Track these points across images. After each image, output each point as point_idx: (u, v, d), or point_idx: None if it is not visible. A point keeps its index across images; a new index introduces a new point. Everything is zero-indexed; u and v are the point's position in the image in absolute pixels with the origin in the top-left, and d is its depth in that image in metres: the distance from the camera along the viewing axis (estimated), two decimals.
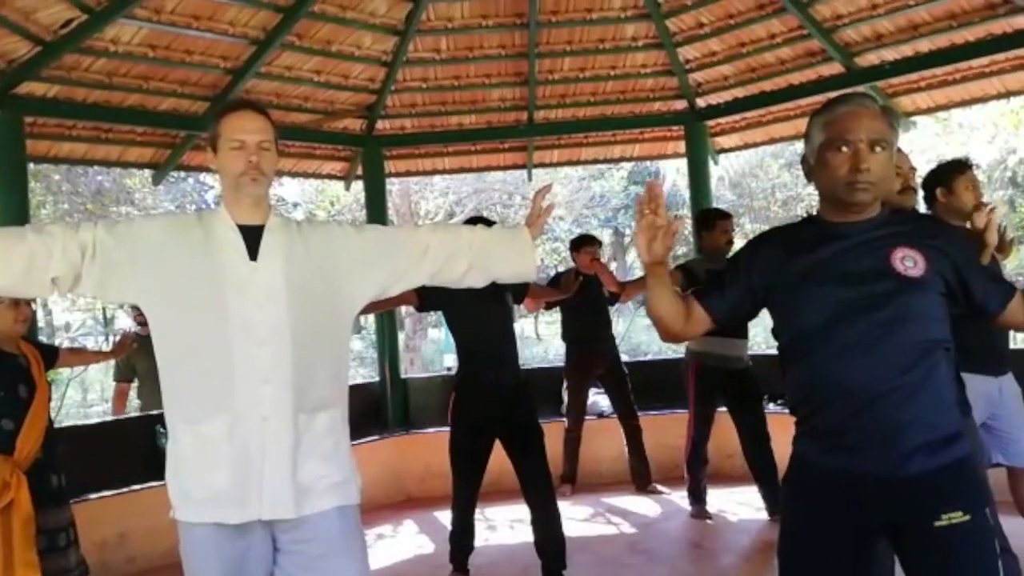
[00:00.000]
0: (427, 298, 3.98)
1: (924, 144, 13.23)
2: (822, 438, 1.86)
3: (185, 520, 2.04)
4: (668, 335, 2.08)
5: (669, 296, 1.99)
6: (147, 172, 6.83)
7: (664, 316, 2.00)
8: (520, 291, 4.22)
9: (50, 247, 1.95)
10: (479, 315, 3.99)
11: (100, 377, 14.37)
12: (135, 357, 5.60)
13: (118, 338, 4.39)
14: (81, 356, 3.84)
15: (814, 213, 2.02)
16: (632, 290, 5.11)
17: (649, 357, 12.35)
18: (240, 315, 2.02)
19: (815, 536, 1.87)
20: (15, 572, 3.10)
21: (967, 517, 1.75)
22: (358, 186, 7.21)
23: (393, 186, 11.39)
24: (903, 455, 1.77)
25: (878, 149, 1.81)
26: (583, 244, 5.79)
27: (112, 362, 5.66)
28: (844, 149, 1.81)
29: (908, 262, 1.81)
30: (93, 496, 4.54)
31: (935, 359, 1.81)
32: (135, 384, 6.05)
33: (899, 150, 2.67)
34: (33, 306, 3.37)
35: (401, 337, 8.85)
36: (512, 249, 2.34)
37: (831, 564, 1.84)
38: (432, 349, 16.27)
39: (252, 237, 2.09)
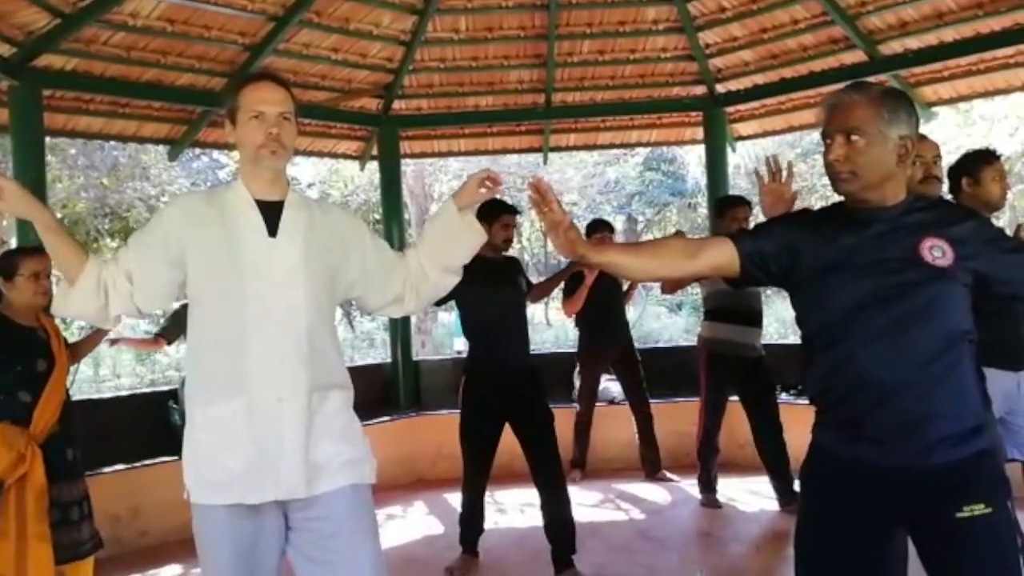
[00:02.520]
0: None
1: (944, 135, 13.07)
2: (844, 428, 1.84)
3: (201, 503, 2.04)
4: (672, 284, 2.12)
5: (631, 258, 2.03)
6: (162, 148, 6.83)
7: (648, 271, 2.09)
8: (529, 287, 4.28)
9: (111, 288, 2.05)
10: (491, 298, 3.98)
11: (113, 352, 14.46)
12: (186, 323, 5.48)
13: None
14: (87, 344, 3.82)
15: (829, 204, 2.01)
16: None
17: (661, 344, 12.34)
18: (257, 293, 2.01)
19: (833, 526, 1.86)
20: (28, 544, 3.11)
21: (988, 510, 1.73)
22: (372, 167, 7.20)
23: (408, 167, 11.36)
24: (926, 446, 1.75)
25: (855, 138, 1.80)
26: (595, 229, 5.79)
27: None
28: (828, 141, 1.84)
29: (936, 252, 1.78)
30: (107, 470, 4.57)
31: (960, 350, 1.79)
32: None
33: (923, 137, 2.63)
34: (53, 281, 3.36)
35: (412, 319, 8.83)
36: (456, 233, 2.28)
37: (848, 554, 1.83)
38: (443, 332, 16.27)
39: (270, 213, 2.08)
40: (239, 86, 2.10)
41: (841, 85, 6.04)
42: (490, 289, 3.98)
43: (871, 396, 1.77)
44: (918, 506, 1.78)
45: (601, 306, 5.67)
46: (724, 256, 1.94)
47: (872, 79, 3.91)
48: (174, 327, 5.76)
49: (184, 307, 5.73)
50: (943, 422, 1.75)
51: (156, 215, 2.17)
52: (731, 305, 4.79)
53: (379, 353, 13.82)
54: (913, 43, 5.45)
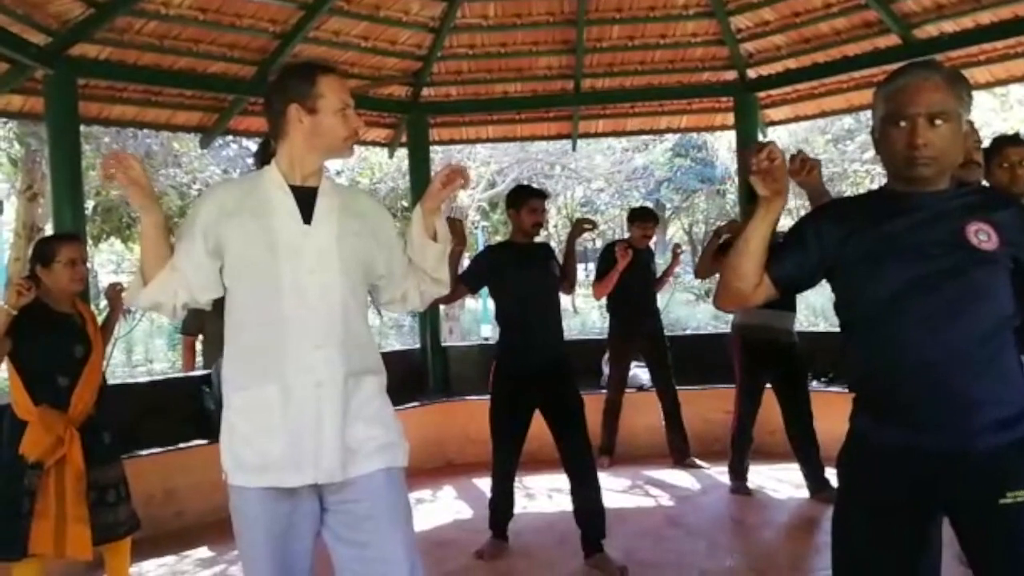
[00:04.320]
0: (474, 280, 4.04)
1: (980, 120, 12.88)
2: (886, 414, 1.83)
3: (239, 485, 2.06)
4: (737, 296, 1.97)
5: (765, 249, 1.91)
6: (194, 136, 6.89)
7: (750, 272, 1.91)
8: (565, 277, 4.27)
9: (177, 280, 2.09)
10: (524, 284, 3.99)
11: (144, 338, 14.66)
12: (205, 313, 5.66)
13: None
14: (106, 331, 3.85)
15: (871, 188, 1.98)
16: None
17: (689, 331, 12.30)
18: (293, 280, 2.03)
19: (873, 512, 1.84)
20: (67, 525, 3.18)
21: None
22: (401, 154, 7.22)
23: (436, 154, 11.37)
24: (972, 432, 1.73)
25: (938, 122, 1.76)
26: (638, 218, 5.80)
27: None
28: (902, 124, 1.78)
29: (982, 235, 1.76)
30: (142, 453, 4.64)
31: (1006, 335, 1.77)
32: (200, 342, 6.08)
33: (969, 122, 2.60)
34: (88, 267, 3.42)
35: (440, 306, 8.88)
36: (419, 246, 2.28)
37: (888, 540, 1.82)
38: (470, 318, 16.34)
39: (305, 199, 2.09)
40: (315, 73, 2.09)
41: (876, 70, 5.91)
42: (521, 274, 3.99)
43: (916, 381, 1.76)
44: (961, 492, 1.76)
45: (633, 293, 5.68)
46: (769, 287, 1.94)
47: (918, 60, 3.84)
48: (194, 321, 5.85)
49: None
50: (989, 407, 1.73)
51: (192, 209, 2.19)
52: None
53: (406, 339, 13.89)
54: (949, 26, 5.35)
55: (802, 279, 1.97)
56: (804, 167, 2.18)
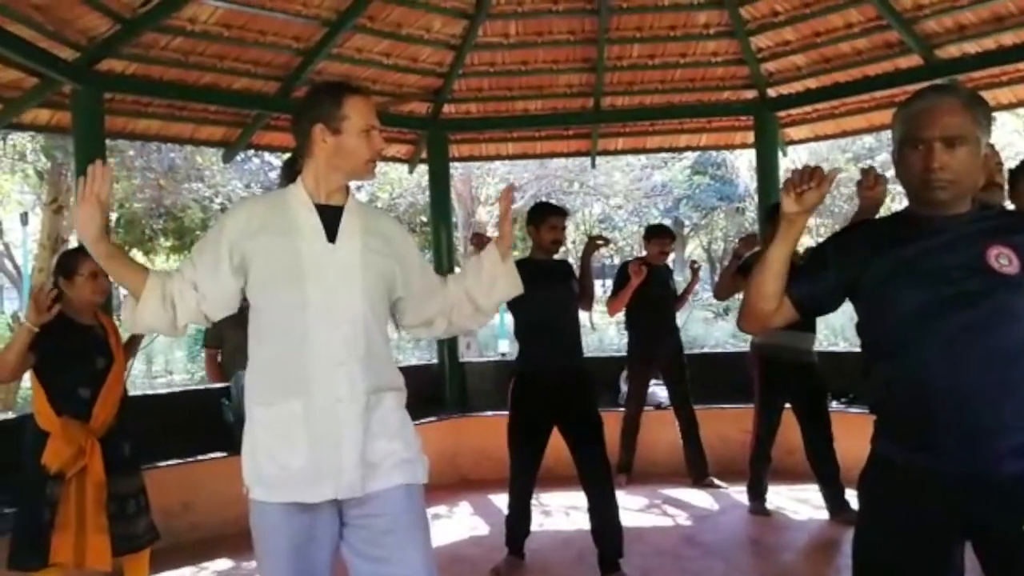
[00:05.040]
0: None
1: (1003, 141, 12.80)
2: (908, 437, 1.82)
3: (260, 499, 2.08)
4: (758, 318, 1.98)
5: (786, 269, 1.92)
6: (217, 150, 6.96)
7: (772, 292, 1.92)
8: (584, 295, 4.28)
9: (177, 300, 2.12)
10: (541, 300, 3.98)
11: (164, 350, 14.76)
12: (224, 323, 5.69)
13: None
14: (134, 343, 3.89)
15: (892, 208, 1.97)
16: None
17: (707, 349, 12.24)
18: (318, 297, 2.05)
19: (894, 536, 1.83)
20: (87, 535, 3.20)
21: None
22: (421, 170, 7.25)
23: (455, 170, 11.43)
24: (995, 457, 1.72)
25: (956, 146, 1.76)
26: (655, 235, 5.79)
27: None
28: (919, 147, 1.78)
29: (1003, 260, 1.75)
30: (161, 464, 4.67)
31: None
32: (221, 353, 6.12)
33: (989, 145, 2.59)
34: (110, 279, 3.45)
35: None
36: (488, 281, 2.32)
37: (910, 566, 1.80)
38: (487, 334, 16.33)
39: (330, 217, 2.12)
40: (341, 93, 2.12)
41: (897, 90, 5.89)
42: (540, 291, 3.97)
43: (938, 405, 1.75)
44: (984, 518, 1.75)
45: (652, 311, 5.67)
46: (791, 311, 1.97)
47: (936, 82, 3.83)
48: (215, 334, 5.90)
49: None
50: (1013, 431, 1.72)
51: (218, 224, 2.21)
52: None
53: (423, 354, 13.91)
54: (971, 47, 5.34)
55: (824, 302, 1.98)
56: (877, 182, 2.42)
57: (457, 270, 2.49)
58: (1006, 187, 3.14)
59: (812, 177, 1.81)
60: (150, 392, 8.54)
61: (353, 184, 2.29)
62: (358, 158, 2.12)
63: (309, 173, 2.15)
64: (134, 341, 3.78)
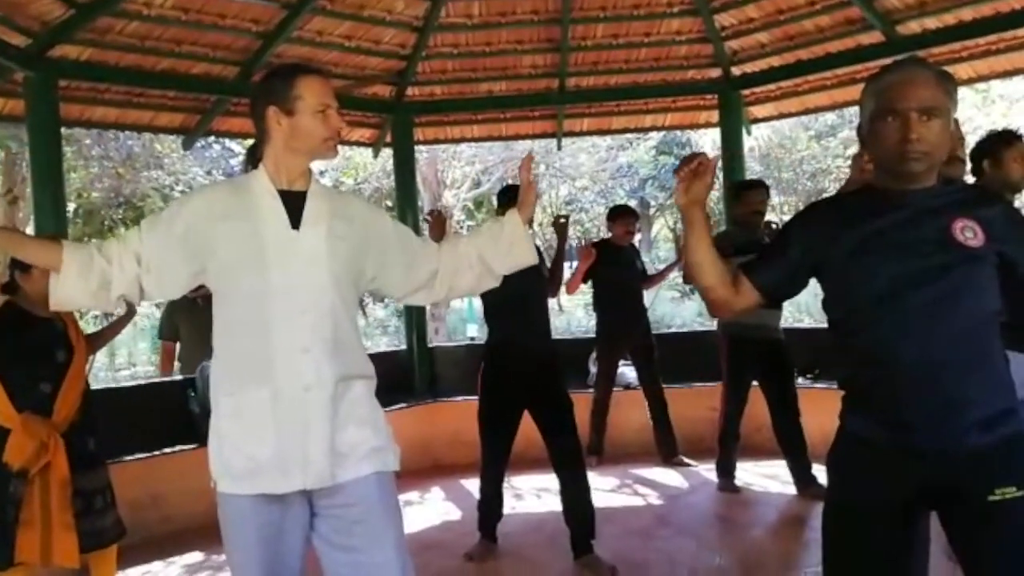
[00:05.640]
0: None
1: (963, 116, 12.95)
2: (876, 412, 1.83)
3: (228, 492, 2.04)
4: (717, 305, 2.02)
5: (712, 256, 1.96)
6: (176, 137, 6.84)
7: (711, 283, 1.97)
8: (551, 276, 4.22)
9: (110, 268, 2.04)
10: (510, 283, 3.95)
11: (128, 342, 14.55)
12: (178, 316, 5.64)
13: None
14: (104, 336, 3.85)
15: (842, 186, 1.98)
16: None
17: (674, 329, 12.33)
18: (282, 284, 2.01)
19: (861, 509, 1.85)
20: (53, 533, 3.14)
21: (1021, 493, 1.72)
22: (386, 154, 7.19)
23: (421, 154, 11.36)
24: (961, 429, 1.74)
25: (930, 117, 1.76)
26: (618, 216, 5.79)
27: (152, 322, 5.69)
28: (893, 119, 1.78)
29: (968, 233, 1.77)
30: (127, 458, 4.60)
31: (992, 331, 1.79)
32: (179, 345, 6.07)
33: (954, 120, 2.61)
34: None
35: (427, 306, 8.88)
36: (506, 244, 2.30)
37: (877, 537, 1.82)
38: (456, 318, 16.30)
39: (293, 203, 2.08)
40: (293, 74, 2.08)
41: (859, 67, 5.91)
42: (512, 275, 3.96)
43: (904, 380, 1.76)
44: (949, 489, 1.77)
45: (619, 292, 5.69)
46: (755, 295, 1.98)
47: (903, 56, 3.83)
48: (170, 327, 5.84)
49: (172, 304, 5.83)
50: (977, 405, 1.74)
51: (177, 205, 2.16)
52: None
53: (392, 340, 13.87)
54: (931, 23, 5.38)
55: (785, 287, 2.00)
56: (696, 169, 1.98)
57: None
58: (968, 162, 3.18)
59: (692, 161, 1.87)
60: (114, 385, 8.41)
61: (317, 170, 2.24)
62: (315, 138, 2.07)
63: (269, 158, 2.12)
64: (117, 326, 3.71)
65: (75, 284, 2.03)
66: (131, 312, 4.28)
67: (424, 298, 2.37)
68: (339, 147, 2.18)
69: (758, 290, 1.97)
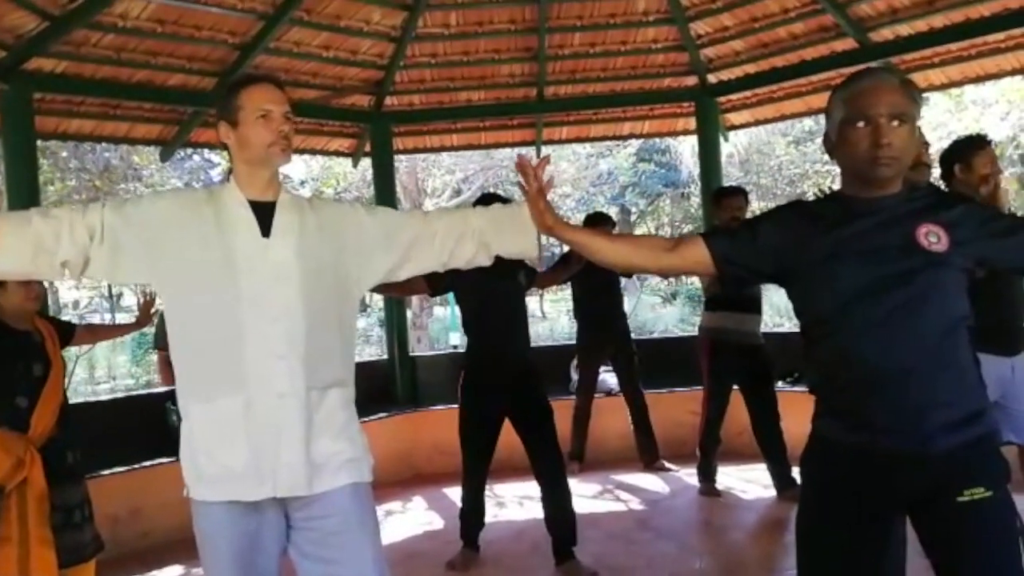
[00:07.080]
0: (438, 283, 3.99)
1: (936, 120, 13.11)
2: (846, 417, 1.85)
3: (199, 499, 2.04)
4: (652, 270, 2.19)
5: (605, 242, 2.12)
6: (155, 149, 6.81)
7: (642, 263, 2.14)
8: (531, 278, 4.21)
9: (57, 230, 1.97)
10: (490, 292, 3.98)
11: (107, 354, 14.44)
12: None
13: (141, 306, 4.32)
14: (97, 333, 3.81)
15: (826, 190, 2.01)
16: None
17: (655, 335, 12.37)
18: (252, 292, 2.01)
19: (834, 513, 1.87)
20: (31, 549, 3.11)
21: (989, 493, 1.75)
22: (365, 163, 7.19)
23: (400, 163, 11.36)
24: (929, 432, 1.76)
25: (899, 123, 1.79)
26: (596, 223, 5.80)
27: (132, 334, 5.65)
28: (863, 125, 1.80)
29: (932, 237, 1.79)
30: (106, 472, 4.57)
31: (959, 335, 1.80)
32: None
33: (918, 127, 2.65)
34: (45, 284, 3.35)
35: (408, 315, 8.88)
36: (515, 228, 2.29)
37: (850, 540, 1.84)
38: (438, 327, 16.29)
39: (264, 213, 2.07)
40: (237, 87, 2.09)
41: (834, 73, 5.98)
42: (489, 282, 3.97)
43: (872, 385, 1.78)
44: (919, 491, 1.79)
45: (599, 298, 5.70)
46: (699, 253, 1.96)
47: (870, 64, 3.88)
48: (164, 335, 5.81)
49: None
50: (945, 408, 1.76)
51: (152, 197, 2.16)
52: (731, 294, 4.81)
53: (374, 350, 13.83)
54: (904, 29, 5.45)
55: (740, 266, 1.97)
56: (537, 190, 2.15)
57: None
58: (934, 167, 3.22)
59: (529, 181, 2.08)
60: (93, 399, 8.34)
61: (297, 179, 2.24)
62: (258, 145, 2.05)
63: (234, 171, 2.14)
64: (123, 329, 3.64)
65: (10, 252, 1.97)
66: (141, 322, 4.29)
67: (443, 266, 2.36)
68: (291, 154, 2.13)
69: (711, 253, 1.94)
